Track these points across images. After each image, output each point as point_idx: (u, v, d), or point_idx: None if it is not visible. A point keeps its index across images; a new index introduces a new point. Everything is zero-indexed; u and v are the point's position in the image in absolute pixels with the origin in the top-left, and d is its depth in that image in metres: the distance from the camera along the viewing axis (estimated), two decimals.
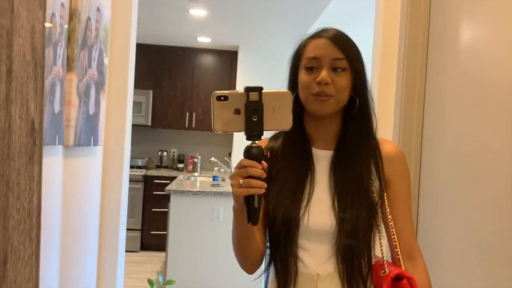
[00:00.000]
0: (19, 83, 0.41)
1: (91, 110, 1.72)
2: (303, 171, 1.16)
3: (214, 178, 4.74)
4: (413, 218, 1.91)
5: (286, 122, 1.01)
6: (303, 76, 1.14)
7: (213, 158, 5.02)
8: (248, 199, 0.99)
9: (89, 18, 1.62)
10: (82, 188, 1.76)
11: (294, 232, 1.12)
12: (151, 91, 5.84)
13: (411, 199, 1.22)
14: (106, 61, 1.89)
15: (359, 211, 1.10)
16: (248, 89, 0.98)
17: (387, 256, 1.21)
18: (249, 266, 1.18)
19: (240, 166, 0.98)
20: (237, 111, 0.98)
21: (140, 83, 5.74)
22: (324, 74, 1.10)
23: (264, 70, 5.35)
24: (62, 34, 1.39)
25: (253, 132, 0.99)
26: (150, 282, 1.99)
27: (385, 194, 1.16)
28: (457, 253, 1.62)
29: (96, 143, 1.81)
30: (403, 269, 1.14)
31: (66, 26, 1.41)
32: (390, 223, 1.17)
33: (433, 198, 1.81)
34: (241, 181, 0.97)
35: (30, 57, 0.41)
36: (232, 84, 5.85)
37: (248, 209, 1.00)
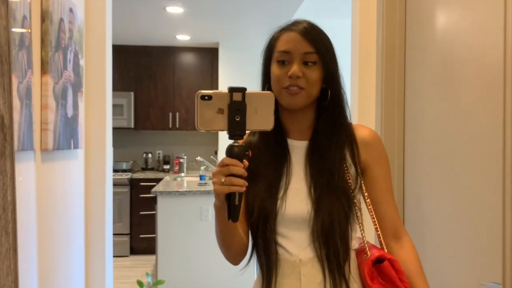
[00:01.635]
0: None
1: (69, 112, 1.70)
2: (279, 163, 1.19)
3: (201, 177, 4.71)
4: (400, 203, 1.94)
5: (268, 123, 1.04)
6: (275, 69, 1.16)
7: (199, 158, 5.00)
8: (229, 197, 1.02)
9: (61, 20, 1.60)
10: (64, 192, 1.74)
11: (272, 221, 1.15)
12: (132, 93, 5.78)
13: (391, 180, 1.24)
14: (82, 62, 1.87)
15: (333, 198, 1.13)
16: (232, 90, 1.00)
17: (374, 242, 1.23)
18: (233, 258, 1.21)
19: (222, 165, 1.00)
20: (221, 111, 1.01)
21: (120, 85, 5.69)
22: (295, 68, 1.12)
23: (245, 66, 5.32)
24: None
25: (235, 131, 1.01)
26: (140, 283, 1.99)
27: (361, 180, 1.19)
28: (442, 234, 1.65)
29: (76, 146, 1.79)
30: (386, 251, 1.17)
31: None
32: (369, 207, 1.19)
33: (417, 181, 1.84)
34: (222, 179, 1.00)
35: None
36: (214, 82, 5.83)
37: (228, 206, 1.02)
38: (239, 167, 1.00)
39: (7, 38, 0.43)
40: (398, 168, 1.93)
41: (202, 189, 4.07)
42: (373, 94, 2.04)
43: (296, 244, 1.15)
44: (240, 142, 1.03)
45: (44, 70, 1.44)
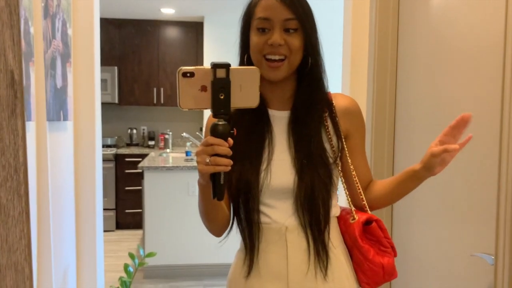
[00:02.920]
0: None
1: (59, 83, 1.66)
2: (261, 135, 1.17)
3: (187, 153, 4.70)
4: (390, 174, 1.97)
5: (254, 99, 1.01)
6: (254, 37, 1.13)
7: (184, 134, 4.97)
8: (214, 176, 0.99)
9: None
10: (53, 165, 1.71)
11: (255, 193, 1.14)
12: (116, 68, 5.68)
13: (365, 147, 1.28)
14: (70, 31, 1.81)
15: (315, 168, 1.14)
16: (215, 66, 0.96)
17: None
18: (217, 231, 1.21)
19: (207, 144, 0.97)
20: (204, 88, 0.96)
21: (104, 60, 5.57)
22: (276, 36, 1.09)
23: (230, 41, 5.14)
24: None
25: (219, 110, 0.97)
26: (131, 255, 1.98)
27: (345, 148, 1.20)
28: (429, 210, 1.67)
29: (66, 118, 1.75)
30: (369, 212, 1.21)
31: None
32: (352, 173, 1.22)
33: (408, 152, 1.86)
34: (207, 159, 0.96)
35: (3, 2, 0.39)
36: (199, 57, 5.75)
37: (213, 185, 1.00)
38: (224, 147, 0.97)
39: None
40: (389, 141, 1.94)
41: (189, 165, 4.07)
42: (365, 65, 2.03)
43: (281, 212, 1.16)
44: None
45: None
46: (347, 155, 1.21)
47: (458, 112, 1.48)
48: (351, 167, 1.21)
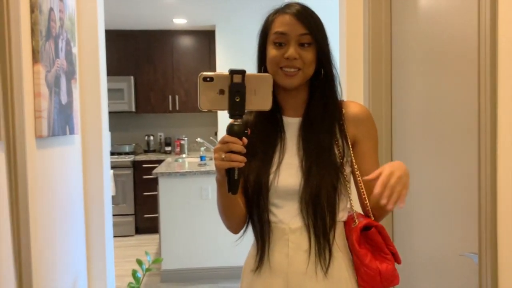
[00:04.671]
0: None
1: (64, 99, 1.76)
2: (273, 140, 1.26)
3: (201, 158, 4.77)
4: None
5: (266, 103, 1.11)
6: (271, 51, 1.21)
7: (199, 139, 5.06)
8: (229, 172, 1.09)
9: (51, 9, 1.64)
10: (62, 177, 1.80)
11: (265, 193, 1.23)
12: (132, 77, 5.83)
13: (378, 153, 1.30)
14: (75, 50, 1.92)
15: (322, 171, 1.20)
16: (232, 72, 1.06)
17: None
18: (233, 227, 1.29)
19: (223, 142, 1.07)
20: (221, 92, 1.07)
21: (120, 70, 5.73)
22: (292, 50, 1.18)
23: (242, 47, 5.32)
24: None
25: (235, 111, 1.07)
26: (139, 261, 2.07)
27: (351, 153, 1.25)
28: (427, 209, 1.71)
29: (72, 132, 1.85)
30: (373, 219, 1.23)
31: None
32: (358, 178, 1.25)
33: (405, 149, 1.90)
34: (223, 155, 1.07)
35: None
36: (212, 64, 5.85)
37: (228, 180, 1.10)
38: (239, 145, 1.07)
39: None
40: (386, 143, 1.98)
41: (202, 170, 4.14)
42: (361, 69, 2.08)
43: (287, 213, 1.22)
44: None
45: (35, 59, 1.49)
46: (354, 160, 1.25)
47: (450, 108, 1.53)
48: (357, 172, 1.25)
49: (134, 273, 2.03)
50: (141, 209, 5.68)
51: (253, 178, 1.22)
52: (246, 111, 1.09)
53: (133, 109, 5.88)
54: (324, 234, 1.19)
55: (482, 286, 1.23)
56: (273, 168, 1.23)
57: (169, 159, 5.33)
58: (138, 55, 5.90)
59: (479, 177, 1.24)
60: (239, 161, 1.07)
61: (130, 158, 5.69)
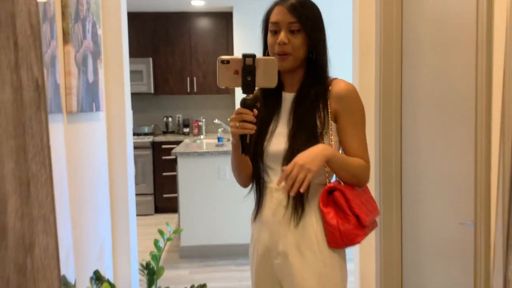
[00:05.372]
0: (24, 53, 0.55)
1: (90, 78, 1.86)
2: (271, 112, 1.49)
3: (219, 139, 4.83)
4: (397, 153, 2.08)
5: (273, 82, 1.32)
6: (269, 38, 1.44)
7: (216, 120, 5.14)
8: (242, 137, 1.33)
9: None
10: (89, 151, 1.92)
11: (261, 157, 1.48)
12: (150, 59, 5.89)
13: (362, 129, 1.45)
14: (100, 31, 2.01)
15: (303, 139, 1.40)
16: (245, 56, 1.28)
17: None
18: (243, 182, 1.55)
19: (237, 113, 1.32)
20: (236, 72, 1.29)
21: (139, 51, 5.79)
22: (282, 36, 1.38)
23: (259, 29, 5.34)
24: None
25: (247, 88, 1.30)
26: (160, 231, 2.18)
27: (330, 126, 1.43)
28: (432, 183, 1.78)
29: (98, 109, 1.96)
30: (342, 184, 1.41)
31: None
32: (332, 147, 1.42)
33: (414, 132, 1.96)
34: (237, 124, 1.32)
35: (29, 32, 0.55)
36: (229, 45, 5.89)
37: (242, 144, 1.34)
38: (250, 115, 1.31)
39: (38, 21, 0.57)
40: (396, 125, 2.05)
41: (219, 150, 4.21)
42: (373, 54, 2.13)
43: (275, 174, 1.45)
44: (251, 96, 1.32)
45: (66, 40, 1.60)
46: (331, 132, 1.43)
47: (457, 96, 1.59)
48: (331, 143, 1.43)
49: (155, 242, 2.14)
50: (160, 189, 5.79)
51: (253, 145, 1.44)
52: (256, 88, 1.30)
53: (152, 91, 5.95)
54: (298, 193, 1.36)
55: (477, 248, 1.33)
56: (267, 136, 1.47)
57: (187, 140, 5.42)
58: (157, 37, 5.94)
59: (476, 156, 1.33)
60: (250, 128, 1.31)
61: (149, 139, 5.79)
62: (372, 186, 2.22)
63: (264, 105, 1.50)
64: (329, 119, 1.42)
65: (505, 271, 0.74)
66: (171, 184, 5.63)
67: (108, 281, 1.89)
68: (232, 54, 5.77)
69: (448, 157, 1.62)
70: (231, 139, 1.44)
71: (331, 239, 1.38)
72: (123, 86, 2.23)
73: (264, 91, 1.50)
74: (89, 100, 1.84)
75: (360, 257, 2.42)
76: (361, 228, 1.37)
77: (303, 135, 1.40)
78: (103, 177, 2.12)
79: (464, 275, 1.47)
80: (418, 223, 1.92)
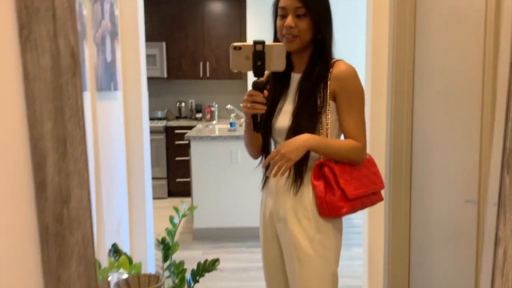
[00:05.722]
0: (61, 23, 0.62)
1: (108, 58, 1.93)
2: (280, 93, 1.64)
3: (231, 124, 4.86)
4: (408, 134, 2.12)
5: (281, 66, 1.44)
6: (278, 22, 1.54)
7: (229, 106, 5.18)
8: (254, 116, 1.49)
9: None
10: (108, 128, 1.99)
11: (269, 132, 1.64)
12: (164, 43, 5.92)
13: (359, 109, 1.55)
14: (117, 12, 2.07)
15: (304, 116, 1.53)
16: (255, 42, 1.41)
17: None
18: (254, 154, 1.72)
19: (249, 94, 1.47)
20: (247, 57, 1.41)
21: (152, 35, 5.79)
22: (289, 20, 1.49)
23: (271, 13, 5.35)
24: None
25: (257, 72, 1.42)
26: (175, 209, 2.26)
27: (328, 105, 1.53)
28: (440, 160, 1.82)
29: (115, 88, 2.03)
30: (333, 161, 1.53)
31: None
32: (327, 126, 1.55)
33: (424, 114, 1.99)
34: (248, 104, 1.46)
35: (66, 4, 0.61)
36: (242, 30, 5.90)
37: (254, 122, 1.50)
38: (260, 97, 1.46)
39: None
40: (408, 104, 2.08)
41: (232, 134, 4.27)
42: (386, 35, 2.16)
43: None
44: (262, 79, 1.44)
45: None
46: (329, 111, 1.54)
47: (465, 79, 1.62)
48: (328, 121, 1.55)
49: (171, 218, 2.22)
50: (173, 173, 5.86)
51: (263, 122, 1.58)
52: (265, 71, 1.43)
53: (165, 75, 5.98)
54: (298, 166, 1.54)
55: (479, 223, 1.37)
56: (275, 114, 1.61)
57: (199, 125, 5.46)
58: (170, 21, 5.95)
59: (481, 137, 1.37)
60: (260, 109, 1.46)
61: (163, 123, 5.85)
62: (382, 166, 2.27)
63: (274, 86, 1.63)
64: (328, 98, 1.53)
65: (496, 229, 0.79)
66: (184, 168, 5.69)
67: (125, 254, 1.98)
68: (245, 38, 5.79)
69: (455, 137, 1.66)
70: (244, 119, 1.60)
71: (320, 208, 1.53)
72: (139, 67, 2.29)
73: (274, 72, 1.60)
74: (108, 79, 1.91)
75: (368, 242, 2.47)
76: (346, 201, 1.50)
77: (305, 112, 1.53)
78: (120, 153, 2.19)
79: (470, 252, 1.52)
80: (426, 203, 1.96)
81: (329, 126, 1.54)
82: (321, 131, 1.54)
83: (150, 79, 6.26)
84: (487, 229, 1.01)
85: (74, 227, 0.66)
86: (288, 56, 1.56)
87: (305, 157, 1.54)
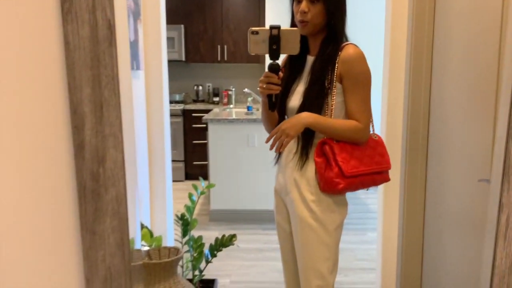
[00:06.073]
0: None
1: (131, 37, 1.98)
2: (295, 75, 1.73)
3: (248, 108, 4.88)
4: (425, 115, 2.14)
5: (295, 49, 1.53)
6: (294, 7, 1.64)
7: (246, 89, 5.22)
8: (269, 96, 1.61)
9: None
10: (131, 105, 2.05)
11: (283, 112, 1.76)
12: (182, 26, 5.94)
13: (363, 91, 1.62)
14: None
15: (313, 96, 1.63)
16: (271, 27, 1.50)
17: None
18: (270, 131, 1.77)
19: (265, 76, 1.57)
20: (264, 41, 1.51)
21: (171, 18, 5.80)
22: (303, 5, 1.59)
23: None
24: None
25: (273, 55, 1.52)
26: (194, 186, 2.33)
27: (334, 87, 1.61)
28: (455, 139, 1.85)
29: (138, 68, 2.08)
30: (335, 141, 1.62)
31: None
32: (331, 107, 1.64)
33: (442, 96, 2.01)
34: (264, 85, 1.58)
35: None
36: (261, 13, 5.89)
37: (269, 102, 1.62)
38: (275, 78, 1.56)
39: None
40: (425, 86, 2.10)
41: (249, 117, 4.30)
42: (406, 14, 2.17)
43: None
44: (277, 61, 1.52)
45: None
46: (334, 92, 1.61)
47: (481, 62, 1.63)
48: (333, 102, 1.63)
49: (190, 195, 2.29)
50: (190, 156, 5.93)
51: (279, 101, 1.69)
52: (281, 54, 1.51)
53: (183, 58, 6.02)
54: (304, 143, 1.67)
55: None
56: (289, 94, 1.72)
57: (216, 109, 5.49)
58: (189, 4, 5.96)
59: (495, 116, 1.39)
60: (275, 89, 1.58)
61: (180, 106, 5.89)
62: (398, 149, 2.30)
63: (291, 68, 1.74)
64: (334, 80, 1.60)
65: (500, 196, 0.83)
66: (202, 152, 5.76)
67: (146, 227, 2.06)
68: (263, 22, 5.79)
69: (471, 118, 1.69)
70: (261, 100, 1.69)
71: (320, 183, 1.64)
72: (160, 48, 2.34)
73: (291, 55, 1.72)
74: (131, 58, 1.97)
75: (383, 226, 2.50)
76: (343, 177, 1.58)
77: (313, 93, 1.63)
78: (142, 131, 2.26)
79: (482, 234, 1.55)
80: (441, 186, 1.99)
81: (333, 107, 1.63)
82: (326, 111, 1.63)
83: (168, 62, 6.29)
84: (492, 197, 1.05)
85: (109, 185, 0.72)
86: (305, 40, 1.67)
87: (311, 135, 1.66)
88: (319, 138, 1.65)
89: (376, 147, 1.69)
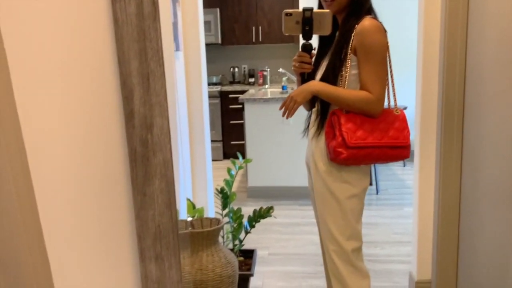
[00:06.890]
0: None
1: (172, 19, 2.06)
2: (325, 52, 1.81)
3: (283, 87, 4.96)
4: (460, 99, 2.12)
5: (327, 30, 1.63)
6: None
7: (281, 69, 5.25)
8: (302, 74, 1.72)
9: None
10: (173, 87, 2.14)
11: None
12: (218, 9, 6.03)
13: (376, 62, 1.63)
14: None
15: (330, 68, 1.70)
16: (304, 10, 1.59)
17: None
18: (306, 107, 1.87)
19: (298, 55, 1.70)
20: (297, 22, 1.60)
21: (206, 2, 5.92)
22: None
23: None
24: None
25: (306, 36, 1.62)
26: (233, 161, 2.41)
27: (349, 59, 1.65)
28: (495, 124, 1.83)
29: (177, 49, 2.16)
30: (344, 112, 1.67)
31: None
32: (345, 79, 1.67)
33: (478, 73, 1.99)
34: (297, 64, 1.70)
35: None
36: None
37: (302, 80, 1.73)
38: (307, 57, 1.69)
39: None
40: (460, 62, 2.08)
41: (284, 96, 4.35)
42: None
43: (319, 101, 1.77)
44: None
45: None
46: (348, 65, 1.65)
47: None
48: (346, 75, 1.67)
49: (229, 170, 2.38)
50: (228, 136, 6.08)
51: (310, 79, 1.74)
52: (313, 35, 1.61)
53: (219, 41, 6.12)
54: (321, 115, 1.75)
55: None
56: (316, 70, 1.79)
57: (252, 90, 5.58)
58: None
59: None
60: (307, 68, 1.70)
61: (217, 88, 6.02)
62: (433, 127, 2.29)
63: (320, 44, 1.83)
64: (349, 52, 1.65)
65: None
66: (238, 131, 5.89)
67: (189, 200, 2.16)
68: (297, 3, 5.77)
69: (509, 95, 1.66)
70: (295, 78, 1.82)
71: (328, 153, 1.69)
72: (197, 31, 2.40)
73: (322, 37, 1.82)
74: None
75: (419, 201, 2.51)
76: (346, 148, 1.60)
77: (331, 65, 1.69)
78: (183, 109, 2.35)
79: None
80: (478, 162, 1.98)
81: (346, 79, 1.66)
82: (340, 83, 1.67)
83: (205, 45, 6.41)
84: None
85: (157, 150, 0.79)
86: (336, 20, 1.74)
87: (327, 107, 1.73)
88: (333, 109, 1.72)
89: (394, 121, 1.66)
